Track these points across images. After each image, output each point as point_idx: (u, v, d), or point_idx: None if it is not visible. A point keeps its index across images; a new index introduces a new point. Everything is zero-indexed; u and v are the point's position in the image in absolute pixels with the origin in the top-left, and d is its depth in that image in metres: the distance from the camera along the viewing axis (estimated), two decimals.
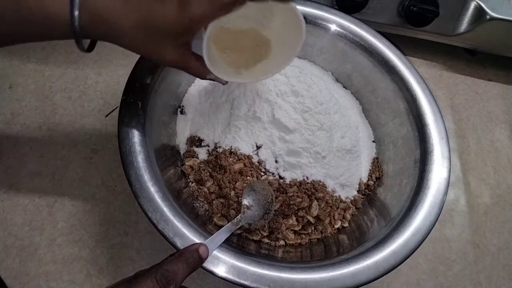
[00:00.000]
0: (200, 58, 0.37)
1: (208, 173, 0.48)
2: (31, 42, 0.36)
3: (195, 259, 0.35)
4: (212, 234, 0.38)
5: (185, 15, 0.32)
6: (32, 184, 0.52)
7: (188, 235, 0.38)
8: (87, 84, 0.61)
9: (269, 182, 0.46)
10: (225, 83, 0.42)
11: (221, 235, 0.39)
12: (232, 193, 0.46)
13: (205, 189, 0.48)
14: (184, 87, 0.54)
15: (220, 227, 0.47)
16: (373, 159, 0.55)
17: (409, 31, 0.68)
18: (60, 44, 0.64)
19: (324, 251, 0.47)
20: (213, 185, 0.47)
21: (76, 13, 0.31)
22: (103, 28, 0.32)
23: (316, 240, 0.49)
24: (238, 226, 0.41)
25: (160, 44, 0.34)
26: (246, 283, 0.37)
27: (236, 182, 0.46)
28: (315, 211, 0.47)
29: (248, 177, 0.46)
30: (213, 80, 0.41)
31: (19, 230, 0.49)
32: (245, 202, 0.43)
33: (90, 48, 0.37)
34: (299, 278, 0.38)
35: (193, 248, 0.35)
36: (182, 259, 0.34)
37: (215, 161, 0.48)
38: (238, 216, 0.42)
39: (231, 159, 0.47)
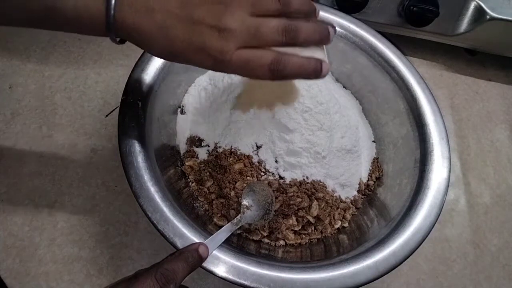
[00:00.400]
0: None
1: (208, 173, 0.48)
2: (59, 30, 0.36)
3: (195, 258, 0.35)
4: (212, 234, 0.38)
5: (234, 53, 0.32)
6: (32, 184, 0.52)
7: (188, 235, 0.38)
8: (87, 84, 0.61)
9: (269, 182, 0.46)
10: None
11: (221, 235, 0.39)
12: (232, 193, 0.46)
13: (205, 189, 0.48)
14: (184, 87, 0.54)
15: (220, 227, 0.47)
16: (373, 159, 0.55)
17: (409, 31, 0.68)
18: (60, 44, 0.64)
19: (324, 251, 0.47)
20: (213, 185, 0.47)
21: (112, 17, 0.31)
22: (130, 34, 0.32)
23: (316, 240, 0.49)
24: (238, 226, 0.41)
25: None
26: (246, 283, 0.37)
27: (236, 182, 0.46)
28: (315, 211, 0.47)
29: (248, 177, 0.46)
30: None
31: (19, 230, 0.49)
32: (245, 202, 0.43)
33: (123, 40, 0.36)
34: (299, 278, 0.38)
35: (193, 248, 0.35)
36: (182, 258, 0.34)
37: (215, 161, 0.48)
38: (238, 216, 0.42)
39: (231, 159, 0.47)
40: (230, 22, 0.30)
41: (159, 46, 0.32)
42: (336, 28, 0.55)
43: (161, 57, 0.35)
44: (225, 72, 0.33)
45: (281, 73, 0.32)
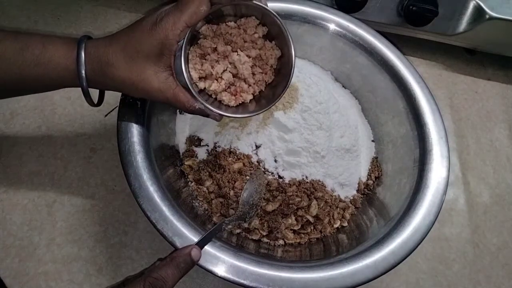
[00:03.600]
0: (187, 90, 0.38)
1: (207, 173, 0.48)
2: (36, 92, 0.41)
3: (187, 263, 0.34)
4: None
5: (157, 29, 0.34)
6: (31, 183, 0.52)
7: (187, 235, 0.38)
8: None
9: (268, 182, 0.46)
10: (219, 119, 0.40)
11: (211, 235, 0.38)
12: (232, 192, 0.46)
13: (204, 189, 0.48)
14: None
15: None
16: (373, 158, 0.55)
17: (409, 30, 0.68)
18: None
19: (323, 251, 0.47)
20: (212, 185, 0.47)
21: (83, 70, 0.35)
22: (98, 68, 0.36)
23: (315, 239, 0.49)
24: (230, 225, 0.40)
25: (144, 69, 0.36)
26: (245, 282, 0.37)
27: (235, 182, 0.46)
28: (314, 210, 0.47)
29: (247, 177, 0.46)
30: (204, 115, 0.39)
31: (18, 230, 0.49)
32: (244, 201, 0.42)
33: (99, 102, 0.40)
34: (298, 277, 0.38)
35: (185, 253, 0.35)
36: (173, 264, 0.33)
37: (215, 160, 0.48)
38: (231, 217, 0.41)
39: (230, 158, 0.47)
40: None
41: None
42: (336, 27, 0.55)
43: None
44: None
45: None
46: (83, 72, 0.35)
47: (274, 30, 0.39)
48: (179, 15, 0.34)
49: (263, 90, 0.41)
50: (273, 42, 0.40)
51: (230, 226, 0.46)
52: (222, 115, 0.39)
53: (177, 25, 0.34)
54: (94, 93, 0.39)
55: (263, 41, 0.40)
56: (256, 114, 0.40)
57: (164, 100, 0.37)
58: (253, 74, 0.40)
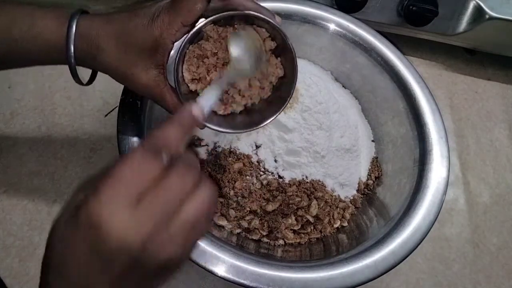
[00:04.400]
0: (175, 90, 0.37)
1: (207, 173, 0.48)
2: (20, 67, 0.39)
3: (189, 120, 0.28)
4: (211, 232, 0.38)
5: (154, 26, 0.33)
6: (32, 183, 0.52)
7: None
8: None
9: (268, 182, 0.46)
10: (201, 127, 0.37)
11: (213, 91, 0.33)
12: (232, 192, 0.46)
13: None
14: None
15: (220, 226, 0.47)
16: (373, 158, 0.55)
17: (409, 30, 0.68)
18: None
19: (323, 251, 0.47)
20: None
21: (72, 46, 0.34)
22: (87, 49, 0.34)
23: (315, 239, 0.49)
24: (231, 82, 0.37)
25: (135, 62, 0.35)
26: (245, 282, 0.37)
27: (235, 182, 0.46)
28: (314, 210, 0.47)
29: (247, 177, 0.46)
30: None
31: (19, 230, 0.49)
32: (234, 54, 0.36)
33: (90, 81, 0.39)
34: (299, 277, 0.38)
35: (186, 110, 0.28)
36: (174, 123, 0.27)
37: (215, 160, 0.48)
38: (227, 70, 0.36)
39: (230, 158, 0.47)
40: None
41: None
42: (336, 27, 0.55)
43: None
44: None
45: None
46: (72, 51, 0.34)
47: (282, 49, 0.38)
48: (174, 14, 0.33)
49: (256, 103, 0.40)
50: (279, 59, 0.39)
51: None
52: (206, 126, 0.36)
53: (172, 25, 0.33)
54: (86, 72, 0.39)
55: (268, 55, 0.38)
56: (241, 132, 0.38)
57: (149, 97, 0.37)
58: (250, 85, 0.39)
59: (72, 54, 0.34)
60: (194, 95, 0.38)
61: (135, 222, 0.23)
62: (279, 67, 0.39)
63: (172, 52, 0.36)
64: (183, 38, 0.35)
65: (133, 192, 0.23)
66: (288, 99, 0.37)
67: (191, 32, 0.35)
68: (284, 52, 0.38)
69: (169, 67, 0.36)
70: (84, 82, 0.39)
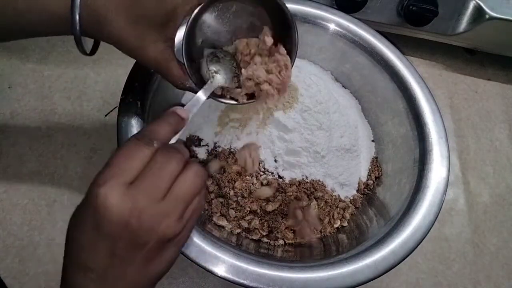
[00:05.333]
0: (182, 65, 0.37)
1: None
2: (26, 38, 0.38)
3: (175, 118, 0.33)
4: (211, 232, 0.38)
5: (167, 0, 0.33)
6: (32, 183, 0.52)
7: None
8: (86, 84, 0.61)
9: (268, 182, 0.46)
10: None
11: (198, 98, 0.38)
12: (232, 192, 0.46)
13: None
14: None
15: (219, 226, 0.47)
16: (373, 158, 0.55)
17: (409, 30, 0.68)
18: (59, 44, 0.64)
19: (323, 250, 0.47)
20: (212, 185, 0.47)
21: (77, 14, 0.33)
22: (94, 20, 0.33)
23: (315, 239, 0.49)
24: (212, 89, 0.39)
25: (144, 35, 0.34)
26: (245, 282, 0.37)
27: (235, 182, 0.46)
28: (314, 210, 0.47)
29: (247, 177, 0.46)
30: (194, 92, 0.39)
31: (19, 230, 0.49)
32: (212, 68, 0.40)
33: (93, 51, 0.38)
34: (298, 277, 0.38)
35: (172, 110, 0.34)
36: (161, 119, 0.32)
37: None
38: (208, 81, 0.40)
39: (230, 159, 0.47)
40: None
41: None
42: (336, 27, 0.55)
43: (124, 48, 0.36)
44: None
45: None
46: (77, 20, 0.33)
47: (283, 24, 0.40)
48: None
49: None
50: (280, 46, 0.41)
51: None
52: (211, 98, 0.40)
53: (188, 1, 0.34)
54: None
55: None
56: (243, 103, 0.42)
57: (156, 70, 0.37)
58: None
59: (78, 23, 0.33)
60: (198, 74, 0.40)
61: (129, 199, 0.26)
62: (284, 54, 0.41)
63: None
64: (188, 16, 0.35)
65: (127, 174, 0.27)
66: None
67: (200, 7, 0.36)
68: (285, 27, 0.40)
69: (177, 43, 0.37)
70: (88, 52, 0.38)
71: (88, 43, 0.38)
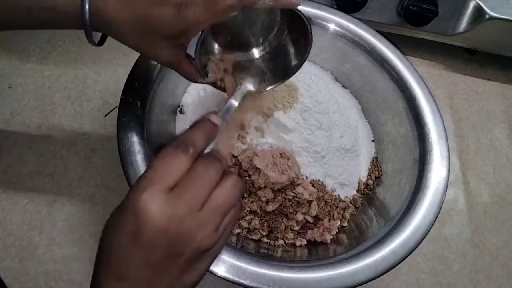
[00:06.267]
0: (193, 61, 0.37)
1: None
2: (34, 29, 0.39)
3: (208, 126, 0.32)
4: None
5: (181, 19, 0.33)
6: (31, 183, 0.52)
7: None
8: (86, 84, 0.61)
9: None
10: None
11: (231, 106, 0.37)
12: None
13: None
14: (183, 86, 0.54)
15: None
16: (373, 158, 0.55)
17: (408, 30, 0.68)
18: (59, 44, 0.64)
19: (323, 250, 0.47)
20: None
21: (87, 7, 0.33)
22: (105, 23, 0.33)
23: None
24: (242, 95, 0.39)
25: (156, 45, 0.35)
26: (245, 282, 0.37)
27: None
28: (314, 211, 0.47)
29: (247, 177, 0.46)
30: (208, 83, 0.41)
31: (18, 230, 0.49)
32: (240, 76, 0.42)
33: (101, 42, 0.38)
34: (299, 277, 0.38)
35: (206, 118, 0.32)
36: (195, 128, 0.31)
37: None
38: (240, 89, 0.40)
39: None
40: None
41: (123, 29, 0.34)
42: (336, 27, 0.55)
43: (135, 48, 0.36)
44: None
45: None
46: (87, 21, 0.33)
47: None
48: (206, 13, 0.32)
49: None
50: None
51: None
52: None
53: (201, 23, 0.33)
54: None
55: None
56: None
57: (169, 67, 0.38)
58: None
59: (89, 27, 0.34)
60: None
61: (169, 207, 0.25)
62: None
63: None
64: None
65: (166, 181, 0.26)
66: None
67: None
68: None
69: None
70: (96, 42, 0.38)
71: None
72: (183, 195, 0.26)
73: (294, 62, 0.42)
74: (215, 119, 0.32)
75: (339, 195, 0.50)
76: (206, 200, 0.27)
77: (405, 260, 0.40)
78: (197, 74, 0.38)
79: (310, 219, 0.47)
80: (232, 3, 0.32)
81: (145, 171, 0.27)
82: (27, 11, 0.34)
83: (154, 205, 0.25)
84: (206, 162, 0.28)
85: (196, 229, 0.26)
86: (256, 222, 0.47)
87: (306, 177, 0.48)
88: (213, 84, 0.41)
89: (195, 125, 0.31)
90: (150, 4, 0.33)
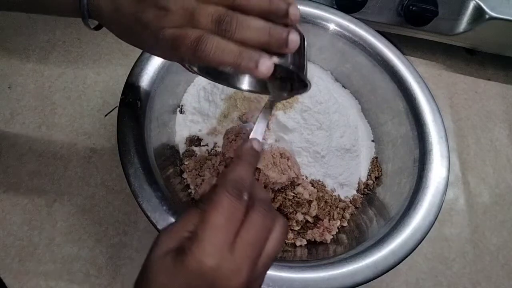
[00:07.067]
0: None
1: (208, 173, 0.48)
2: (32, 13, 0.39)
3: (254, 156, 0.31)
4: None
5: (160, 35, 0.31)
6: (31, 183, 0.52)
7: None
8: (86, 84, 0.61)
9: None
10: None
11: (262, 123, 0.36)
12: None
13: (204, 189, 0.48)
14: (183, 86, 0.54)
15: None
16: (372, 158, 0.55)
17: (408, 30, 0.68)
18: (59, 44, 0.64)
19: (323, 250, 0.47)
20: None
21: (86, 15, 0.34)
22: (99, 20, 0.34)
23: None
24: (274, 104, 0.38)
25: (149, 46, 0.34)
26: None
27: None
28: (314, 211, 0.47)
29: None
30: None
31: (18, 230, 0.49)
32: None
33: (98, 27, 0.38)
34: (298, 277, 0.38)
35: (248, 147, 0.31)
36: (243, 162, 0.30)
37: (215, 161, 0.48)
38: (269, 97, 0.38)
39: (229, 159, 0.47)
40: (168, 2, 0.30)
41: (115, 23, 0.34)
42: (336, 27, 0.55)
43: (117, 35, 0.35)
44: (171, 56, 0.33)
45: (201, 53, 0.29)
46: (85, 11, 0.34)
47: None
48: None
49: None
50: None
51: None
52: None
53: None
54: None
55: None
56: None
57: (164, 58, 0.38)
58: None
59: (87, 18, 0.34)
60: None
61: (236, 267, 0.25)
62: None
63: None
64: None
65: (229, 237, 0.26)
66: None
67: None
68: None
69: None
70: (93, 26, 0.37)
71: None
72: (245, 252, 0.26)
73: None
74: (258, 146, 0.31)
75: (339, 195, 0.50)
76: (263, 250, 0.27)
77: (405, 260, 0.40)
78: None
79: (310, 219, 0.47)
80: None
81: (206, 222, 0.25)
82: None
83: (224, 268, 0.25)
84: (262, 211, 0.27)
85: (254, 283, 0.27)
86: None
87: (306, 177, 0.48)
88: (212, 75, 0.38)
89: (241, 157, 0.30)
90: (132, 18, 0.32)
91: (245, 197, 0.27)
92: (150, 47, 0.35)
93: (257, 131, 0.35)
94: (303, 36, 0.33)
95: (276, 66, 0.30)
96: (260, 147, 0.32)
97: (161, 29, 0.30)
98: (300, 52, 0.32)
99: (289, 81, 0.38)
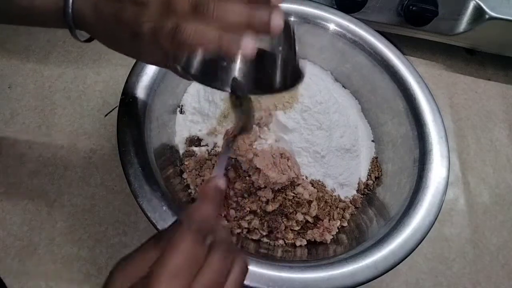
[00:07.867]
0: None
1: (208, 173, 0.48)
2: (17, 24, 0.39)
3: (219, 194, 0.30)
4: None
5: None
6: (31, 183, 0.52)
7: None
8: (86, 84, 0.61)
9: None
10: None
11: (223, 159, 0.35)
12: (231, 192, 0.46)
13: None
14: (183, 86, 0.54)
15: None
16: (372, 158, 0.55)
17: (408, 30, 0.68)
18: (59, 44, 0.64)
19: (323, 250, 0.47)
20: None
21: (70, 9, 0.33)
22: (81, 21, 0.34)
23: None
24: (236, 140, 0.38)
25: (138, 54, 0.35)
26: (245, 282, 0.36)
27: (235, 182, 0.46)
28: (314, 211, 0.47)
29: (246, 177, 0.46)
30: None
31: (18, 230, 0.49)
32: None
33: (90, 39, 0.38)
34: (298, 277, 0.38)
35: (212, 185, 0.30)
36: (208, 201, 0.29)
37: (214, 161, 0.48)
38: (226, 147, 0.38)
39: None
40: None
41: (99, 28, 0.34)
42: (335, 27, 0.55)
43: (106, 44, 0.35)
44: (156, 56, 0.33)
45: (180, 39, 0.28)
46: (71, 23, 0.34)
47: None
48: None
49: None
50: None
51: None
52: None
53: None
54: None
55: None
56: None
57: (154, 63, 0.37)
58: None
59: (73, 28, 0.34)
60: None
61: None
62: None
63: None
64: None
65: (186, 282, 0.25)
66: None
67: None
68: None
69: None
70: (82, 40, 0.37)
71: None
72: None
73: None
74: (222, 184, 0.31)
75: (339, 195, 0.50)
76: None
77: (405, 260, 0.40)
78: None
79: (310, 219, 0.47)
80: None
81: (165, 263, 0.25)
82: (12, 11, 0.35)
83: None
84: (222, 253, 0.27)
85: None
86: (256, 222, 0.47)
87: (306, 177, 0.48)
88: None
89: (207, 197, 0.30)
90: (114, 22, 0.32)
91: (208, 241, 0.27)
92: (136, 52, 0.34)
93: (220, 168, 0.34)
94: (291, 25, 0.31)
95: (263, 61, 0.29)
96: (224, 185, 0.31)
97: (140, 25, 0.30)
98: (290, 42, 0.31)
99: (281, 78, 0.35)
